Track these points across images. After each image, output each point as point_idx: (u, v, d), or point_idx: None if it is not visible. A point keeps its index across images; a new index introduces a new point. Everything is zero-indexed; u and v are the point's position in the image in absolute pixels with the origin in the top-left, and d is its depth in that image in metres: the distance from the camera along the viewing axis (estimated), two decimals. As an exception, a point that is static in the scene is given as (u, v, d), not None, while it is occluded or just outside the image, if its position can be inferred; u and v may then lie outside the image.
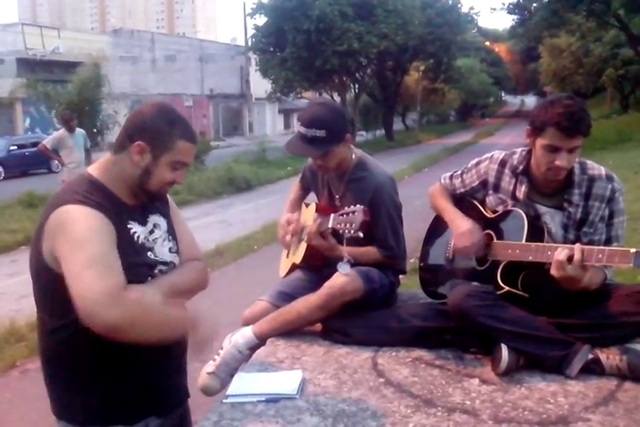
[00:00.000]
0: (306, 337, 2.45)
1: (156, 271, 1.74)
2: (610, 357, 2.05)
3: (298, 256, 2.70)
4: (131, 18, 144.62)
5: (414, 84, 36.30)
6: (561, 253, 2.02)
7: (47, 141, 9.15)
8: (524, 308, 2.17)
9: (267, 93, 29.21)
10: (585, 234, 2.26)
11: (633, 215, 6.30)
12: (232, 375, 2.22)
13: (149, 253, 1.73)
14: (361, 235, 2.29)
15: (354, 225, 2.27)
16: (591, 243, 2.21)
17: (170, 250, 1.81)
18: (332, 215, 2.38)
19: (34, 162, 19.25)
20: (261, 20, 27.26)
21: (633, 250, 1.90)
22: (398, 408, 1.88)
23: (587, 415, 1.81)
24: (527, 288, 2.19)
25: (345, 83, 29.26)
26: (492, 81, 53.10)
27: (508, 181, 2.38)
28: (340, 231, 2.33)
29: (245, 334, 2.44)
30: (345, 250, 2.41)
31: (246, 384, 2.03)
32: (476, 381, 2.06)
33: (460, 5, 31.65)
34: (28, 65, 28.19)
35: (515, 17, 30.11)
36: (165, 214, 1.85)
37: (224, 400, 1.95)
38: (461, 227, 2.35)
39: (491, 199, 2.44)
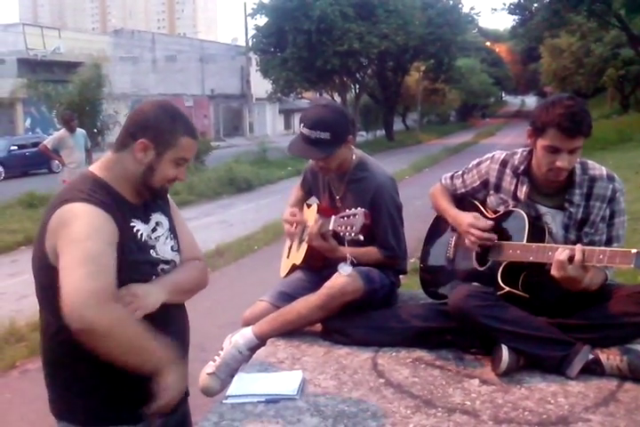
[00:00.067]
0: (306, 338, 2.45)
1: (159, 270, 1.74)
2: (610, 357, 2.05)
3: (298, 257, 2.70)
4: (131, 18, 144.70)
5: (415, 85, 36.30)
6: (562, 253, 2.02)
7: (48, 142, 9.16)
8: (525, 308, 2.16)
9: (267, 94, 29.24)
10: (586, 234, 2.26)
11: (633, 216, 6.29)
12: (232, 376, 2.22)
13: (152, 252, 1.74)
14: (361, 238, 2.28)
15: (354, 228, 2.26)
16: (592, 243, 2.21)
17: (172, 248, 1.81)
18: (333, 217, 2.38)
19: (34, 162, 19.26)
20: (262, 20, 27.36)
21: (634, 251, 1.90)
22: (398, 409, 1.87)
23: (587, 416, 1.81)
24: (528, 289, 2.19)
25: (345, 83, 29.29)
26: (493, 81, 53.12)
27: (509, 182, 2.37)
28: (341, 234, 2.33)
29: (245, 335, 2.44)
30: (346, 251, 2.41)
31: (246, 385, 2.02)
32: (477, 381, 2.06)
33: (460, 6, 31.67)
34: (29, 65, 28.21)
35: (515, 17, 30.13)
36: (167, 213, 1.86)
37: (224, 401, 1.94)
38: (464, 222, 2.34)
39: (492, 199, 2.44)
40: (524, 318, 2.13)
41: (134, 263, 1.66)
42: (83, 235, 1.54)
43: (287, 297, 2.57)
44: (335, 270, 2.40)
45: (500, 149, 2.53)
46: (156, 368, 1.58)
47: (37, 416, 3.52)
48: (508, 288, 2.16)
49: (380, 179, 2.54)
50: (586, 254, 1.99)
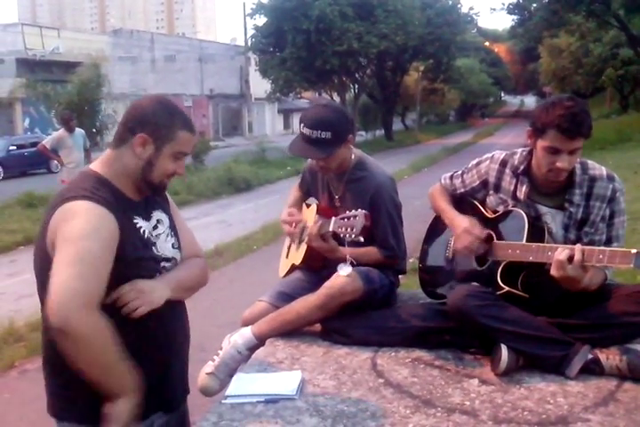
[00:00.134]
0: (305, 338, 2.44)
1: (160, 268, 1.75)
2: (610, 357, 2.05)
3: (298, 257, 2.70)
4: (130, 18, 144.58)
5: (414, 85, 36.30)
6: (561, 253, 2.01)
7: (46, 141, 9.16)
8: (524, 308, 2.16)
9: (266, 93, 29.24)
10: (586, 234, 2.26)
11: (632, 215, 6.30)
12: (231, 376, 2.22)
13: (154, 249, 1.74)
14: (362, 239, 2.28)
15: (355, 229, 2.26)
16: (592, 243, 2.21)
17: (172, 246, 1.82)
18: (334, 219, 2.37)
19: (33, 162, 19.26)
20: (261, 20, 27.37)
21: (634, 251, 1.90)
22: (398, 409, 1.87)
23: (586, 416, 1.81)
24: (527, 288, 2.19)
25: (344, 83, 29.30)
26: (492, 81, 53.11)
27: (508, 182, 2.37)
28: (341, 235, 2.33)
29: (244, 335, 2.44)
30: (346, 252, 2.41)
31: (245, 385, 2.02)
32: (476, 381, 2.06)
33: (459, 6, 31.75)
34: (28, 65, 28.18)
35: (514, 17, 30.13)
36: (167, 211, 1.87)
37: (223, 401, 1.94)
38: (460, 226, 2.35)
39: (491, 199, 2.43)
40: (523, 317, 2.13)
41: (140, 260, 1.67)
42: (81, 233, 1.53)
43: (286, 297, 2.57)
44: (334, 271, 2.40)
45: (499, 149, 2.53)
46: (115, 391, 1.55)
47: (37, 416, 3.51)
48: (507, 288, 2.16)
49: (379, 178, 2.54)
50: (585, 254, 1.99)
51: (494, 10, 36.79)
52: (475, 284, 2.26)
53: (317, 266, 2.65)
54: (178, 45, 40.04)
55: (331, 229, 2.36)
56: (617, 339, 2.10)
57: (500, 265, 2.20)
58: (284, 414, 1.84)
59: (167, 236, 1.81)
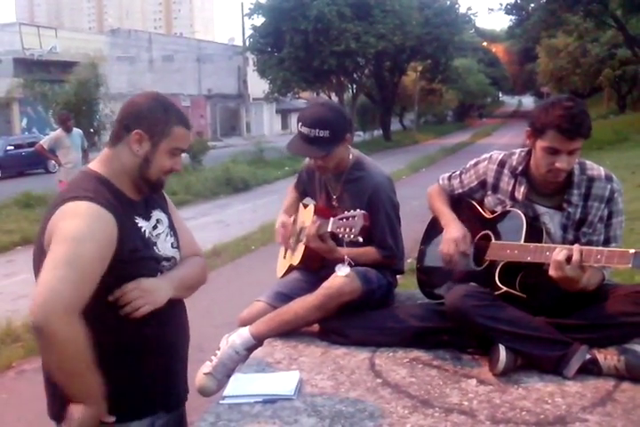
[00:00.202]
0: (303, 338, 2.44)
1: (161, 267, 1.75)
2: (607, 357, 2.05)
3: (296, 258, 2.69)
4: (128, 18, 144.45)
5: (412, 85, 36.33)
6: (559, 253, 2.02)
7: (44, 141, 9.14)
8: (522, 308, 2.16)
9: (264, 94, 29.21)
10: (584, 234, 2.26)
11: (630, 215, 6.29)
12: (229, 376, 2.21)
13: (155, 248, 1.74)
14: (360, 240, 2.27)
15: (354, 230, 2.25)
16: (590, 243, 2.21)
17: (172, 245, 1.81)
18: (332, 219, 2.36)
19: (31, 162, 19.22)
20: (259, 20, 27.34)
21: (632, 251, 1.90)
22: (396, 409, 1.87)
23: (584, 416, 1.81)
24: (525, 289, 2.19)
25: (342, 83, 29.28)
26: (490, 81, 53.12)
27: (506, 182, 2.37)
28: (340, 236, 2.32)
29: (242, 335, 2.43)
30: (344, 252, 2.41)
31: (243, 385, 2.02)
32: (474, 381, 2.06)
33: (457, 6, 31.68)
34: (25, 65, 28.13)
35: (512, 17, 30.21)
36: (166, 210, 1.87)
37: (221, 401, 1.94)
38: (452, 234, 2.36)
39: (489, 200, 2.43)
40: (521, 317, 2.13)
41: (141, 260, 1.67)
42: (76, 234, 1.53)
43: (284, 297, 2.57)
44: (333, 271, 2.40)
45: (496, 150, 2.53)
46: (78, 398, 1.55)
47: (34, 417, 3.50)
48: (505, 288, 2.16)
49: (377, 178, 2.54)
50: (584, 254, 1.99)
51: (492, 10, 36.76)
52: (472, 284, 2.26)
53: (315, 266, 2.65)
54: (176, 45, 40.01)
55: (329, 229, 2.35)
56: (615, 339, 2.10)
57: (498, 265, 2.20)
58: (281, 414, 1.84)
59: (167, 235, 1.81)
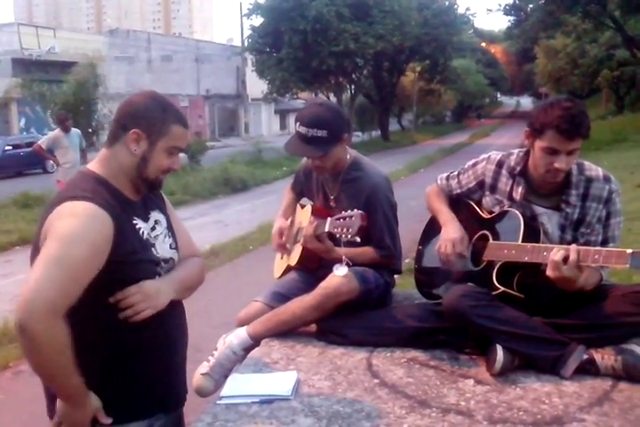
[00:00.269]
0: (301, 338, 2.44)
1: (159, 269, 1.74)
2: (605, 357, 2.05)
3: (293, 258, 2.69)
4: (127, 18, 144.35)
5: (410, 85, 36.34)
6: (556, 253, 2.02)
7: (42, 142, 9.13)
8: (520, 308, 2.16)
9: (263, 94, 29.23)
10: (582, 235, 2.26)
11: (629, 216, 6.30)
12: (226, 376, 2.21)
13: (153, 250, 1.74)
14: (358, 240, 2.27)
15: (351, 230, 2.25)
16: (588, 244, 2.21)
17: (170, 246, 1.81)
18: (329, 219, 2.36)
19: (29, 162, 19.17)
20: (258, 20, 27.36)
21: (629, 251, 1.90)
22: (393, 409, 1.87)
23: (581, 416, 1.81)
24: (523, 289, 2.19)
25: (341, 83, 29.30)
26: (488, 82, 53.20)
27: (504, 182, 2.37)
28: (337, 236, 2.32)
29: (240, 335, 2.43)
30: (342, 252, 2.41)
31: (240, 385, 2.01)
32: (471, 381, 2.06)
33: (456, 6, 31.80)
34: (24, 65, 28.11)
35: (511, 18, 30.31)
36: (164, 211, 1.86)
37: (218, 401, 1.94)
38: (450, 235, 2.36)
39: (487, 200, 2.43)
40: (518, 317, 2.13)
41: (138, 262, 1.66)
42: (70, 235, 1.52)
43: (282, 297, 2.56)
44: (330, 271, 2.39)
45: (495, 150, 2.53)
46: (62, 398, 1.57)
47: (30, 417, 3.50)
48: (502, 288, 2.16)
49: (374, 179, 2.54)
50: (581, 255, 1.99)
51: (491, 11, 36.93)
52: (470, 284, 2.26)
53: (313, 267, 2.64)
54: (174, 45, 39.99)
55: (327, 229, 2.35)
56: (612, 339, 2.10)
57: (496, 265, 2.20)
58: (278, 414, 1.84)
59: (165, 236, 1.80)
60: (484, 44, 58.54)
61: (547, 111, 2.13)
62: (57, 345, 1.47)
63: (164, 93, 1.82)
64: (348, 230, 2.25)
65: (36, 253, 1.63)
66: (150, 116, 1.68)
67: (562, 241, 2.24)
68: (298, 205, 2.86)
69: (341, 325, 2.39)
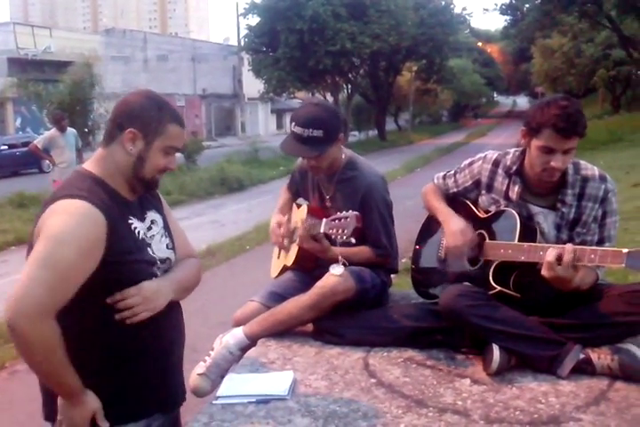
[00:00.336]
0: (297, 338, 2.44)
1: (156, 269, 1.73)
2: (601, 356, 2.05)
3: (289, 259, 2.69)
4: (123, 17, 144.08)
5: (407, 85, 36.35)
6: (550, 254, 2.02)
7: (38, 141, 9.11)
8: (516, 308, 2.16)
9: (259, 93, 29.21)
10: (578, 234, 2.26)
11: (624, 215, 6.32)
12: (223, 376, 2.21)
13: (149, 250, 1.73)
14: (353, 241, 2.27)
15: (346, 231, 2.24)
16: (584, 243, 2.21)
17: (167, 246, 1.81)
18: (325, 220, 2.35)
19: (25, 162, 19.13)
20: (254, 19, 27.33)
21: (625, 250, 1.90)
22: (390, 409, 1.87)
23: (578, 415, 1.81)
24: (519, 288, 2.19)
25: (338, 83, 29.29)
26: (485, 82, 53.22)
27: (500, 182, 2.37)
28: (333, 237, 2.32)
29: (236, 335, 2.43)
30: (338, 251, 2.40)
31: (237, 385, 2.01)
32: (468, 381, 2.06)
33: (452, 6, 31.83)
34: (20, 64, 28.02)
35: (507, 18, 30.31)
36: (160, 211, 1.86)
37: (214, 401, 1.94)
38: (453, 226, 2.35)
39: (483, 199, 2.44)
40: (515, 317, 2.13)
41: (135, 262, 1.65)
42: (60, 234, 1.51)
43: (278, 297, 2.56)
44: (326, 271, 2.39)
45: (491, 150, 2.53)
46: (62, 396, 1.57)
47: (26, 417, 3.49)
48: (499, 288, 2.16)
49: (370, 178, 2.54)
50: (577, 254, 1.99)
51: (487, 10, 36.96)
52: (467, 284, 2.26)
53: (309, 267, 2.64)
54: (170, 45, 39.92)
55: (322, 230, 2.34)
56: (608, 339, 2.10)
57: (492, 265, 2.20)
58: (275, 414, 1.84)
59: (162, 236, 1.80)
60: (480, 44, 58.62)
61: (543, 110, 2.13)
62: (47, 345, 1.47)
63: (160, 93, 1.81)
64: (343, 231, 2.25)
65: (30, 252, 1.63)
66: (146, 116, 1.67)
67: (558, 241, 2.25)
68: (294, 205, 2.86)
69: (338, 324, 2.39)
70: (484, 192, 2.43)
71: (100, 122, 15.55)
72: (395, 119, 41.56)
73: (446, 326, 2.25)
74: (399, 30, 26.36)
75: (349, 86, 30.75)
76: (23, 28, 32.51)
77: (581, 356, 2.06)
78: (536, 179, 2.26)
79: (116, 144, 1.69)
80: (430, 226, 2.61)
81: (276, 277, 2.80)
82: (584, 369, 2.06)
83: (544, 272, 2.03)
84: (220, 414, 1.85)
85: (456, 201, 2.54)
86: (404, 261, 4.42)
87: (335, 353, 2.30)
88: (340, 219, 2.28)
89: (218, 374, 2.32)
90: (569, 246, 2.02)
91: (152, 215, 1.80)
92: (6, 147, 19.99)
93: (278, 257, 2.85)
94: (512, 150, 2.40)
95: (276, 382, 2.01)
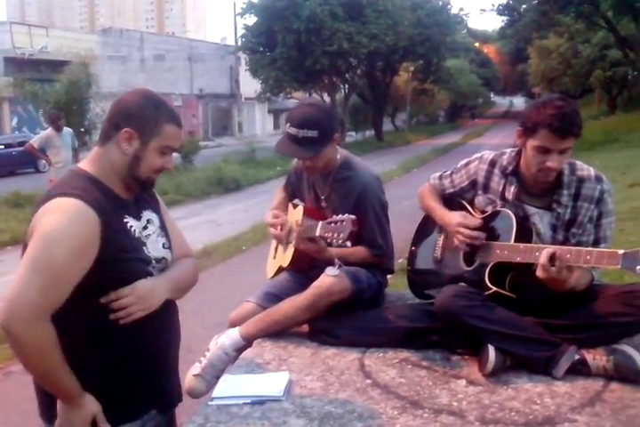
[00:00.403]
0: (293, 338, 2.43)
1: (151, 268, 1.73)
2: (596, 357, 2.05)
3: (285, 259, 2.68)
4: (120, 17, 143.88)
5: (404, 85, 36.37)
6: (542, 255, 2.01)
7: (34, 141, 9.09)
8: (512, 308, 2.16)
9: (256, 93, 29.17)
10: (573, 235, 2.26)
11: (620, 216, 6.32)
12: (218, 377, 2.20)
13: (144, 249, 1.72)
14: (349, 244, 2.25)
15: (342, 235, 2.23)
16: (579, 244, 2.21)
17: (163, 246, 1.80)
18: (321, 223, 2.33)
19: (21, 161, 19.09)
20: (251, 19, 27.32)
21: (621, 251, 1.90)
22: (385, 410, 1.87)
23: (573, 416, 1.81)
24: (515, 289, 2.19)
25: (335, 83, 29.28)
26: (481, 82, 53.31)
27: (497, 182, 2.37)
28: (328, 240, 2.30)
29: (232, 336, 2.42)
30: (334, 251, 2.40)
31: (232, 386, 2.01)
32: (463, 382, 2.05)
33: (449, 6, 31.80)
34: (16, 64, 27.94)
35: (504, 18, 30.36)
36: (157, 210, 1.85)
37: (210, 402, 1.93)
38: (453, 220, 2.33)
39: (480, 200, 2.43)
40: (510, 318, 2.13)
41: (129, 261, 1.65)
42: (52, 234, 1.51)
43: (274, 298, 2.55)
44: (322, 271, 2.39)
45: (488, 150, 2.53)
46: (61, 399, 1.57)
47: (21, 418, 3.48)
48: (495, 288, 2.16)
49: (365, 178, 2.53)
50: (573, 255, 1.99)
51: (484, 11, 36.82)
52: (462, 284, 2.26)
53: (305, 267, 2.64)
54: (167, 45, 39.87)
55: (317, 233, 2.32)
56: (604, 339, 2.10)
57: (488, 266, 2.20)
58: (270, 415, 1.84)
59: (157, 236, 1.79)
60: (477, 44, 58.66)
61: (539, 110, 2.13)
62: (42, 346, 1.46)
63: (157, 93, 1.80)
64: (338, 235, 2.23)
65: (24, 250, 1.62)
66: (143, 115, 1.66)
67: (554, 241, 2.24)
68: (290, 205, 2.85)
69: (334, 325, 2.39)
70: (480, 192, 2.43)
71: (97, 121, 15.50)
72: (392, 119, 41.56)
73: (442, 326, 2.25)
74: (396, 30, 26.37)
75: (346, 86, 30.74)
76: (20, 27, 32.45)
77: (577, 357, 2.06)
78: (532, 179, 2.26)
79: (111, 143, 1.68)
80: (426, 226, 2.61)
81: (272, 277, 2.80)
82: (579, 370, 2.06)
83: (539, 273, 2.03)
84: (216, 415, 1.85)
85: (452, 201, 2.54)
86: (401, 261, 4.42)
87: (331, 354, 2.30)
88: (335, 222, 2.26)
89: (213, 374, 2.32)
90: (564, 248, 2.02)
91: (148, 215, 1.79)
92: (2, 146, 19.93)
93: (274, 257, 2.85)
94: (508, 150, 2.40)
95: (271, 383, 2.01)
